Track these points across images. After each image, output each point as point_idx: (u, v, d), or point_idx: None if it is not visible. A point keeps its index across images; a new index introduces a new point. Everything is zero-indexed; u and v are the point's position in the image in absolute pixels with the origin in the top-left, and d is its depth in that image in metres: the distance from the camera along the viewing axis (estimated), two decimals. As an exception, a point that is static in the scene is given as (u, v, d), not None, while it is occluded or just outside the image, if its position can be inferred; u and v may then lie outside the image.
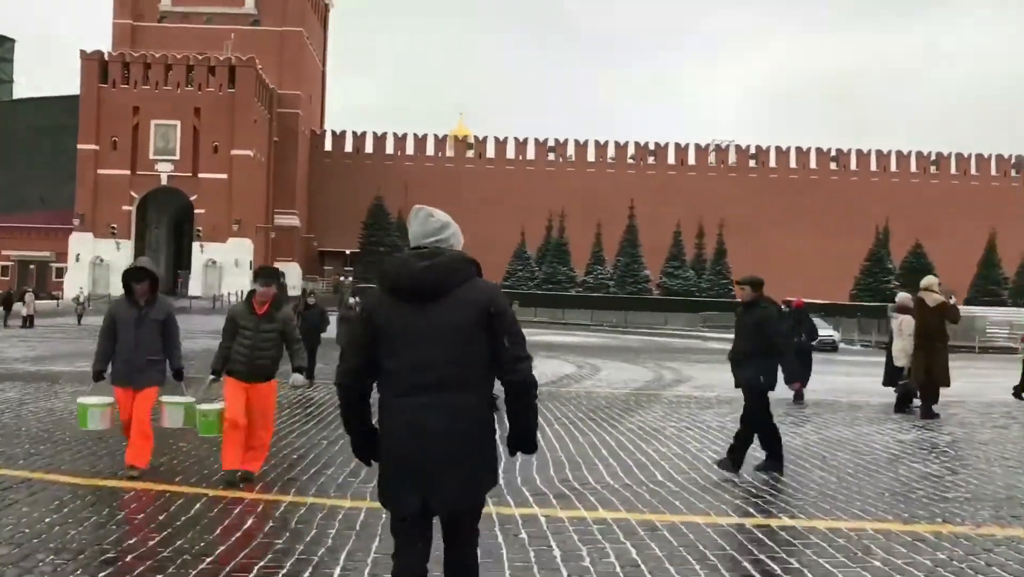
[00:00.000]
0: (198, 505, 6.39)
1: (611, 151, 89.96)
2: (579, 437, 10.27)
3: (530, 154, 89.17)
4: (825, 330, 39.26)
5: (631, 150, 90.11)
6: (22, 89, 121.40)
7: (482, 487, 3.32)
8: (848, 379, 21.90)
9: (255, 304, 7.24)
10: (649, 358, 27.98)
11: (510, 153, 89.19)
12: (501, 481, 7.33)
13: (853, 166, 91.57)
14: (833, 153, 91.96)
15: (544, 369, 21.39)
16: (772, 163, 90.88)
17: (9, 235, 75.85)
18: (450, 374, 3.18)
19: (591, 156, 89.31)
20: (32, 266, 74.53)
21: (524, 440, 3.32)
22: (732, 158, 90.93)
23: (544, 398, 12.10)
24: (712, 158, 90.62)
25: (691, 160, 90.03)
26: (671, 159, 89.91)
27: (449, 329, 3.18)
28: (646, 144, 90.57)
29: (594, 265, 73.40)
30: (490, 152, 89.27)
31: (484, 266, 3.31)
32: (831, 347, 38.26)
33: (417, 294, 3.20)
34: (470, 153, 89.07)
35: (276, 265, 73.97)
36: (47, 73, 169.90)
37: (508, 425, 3.32)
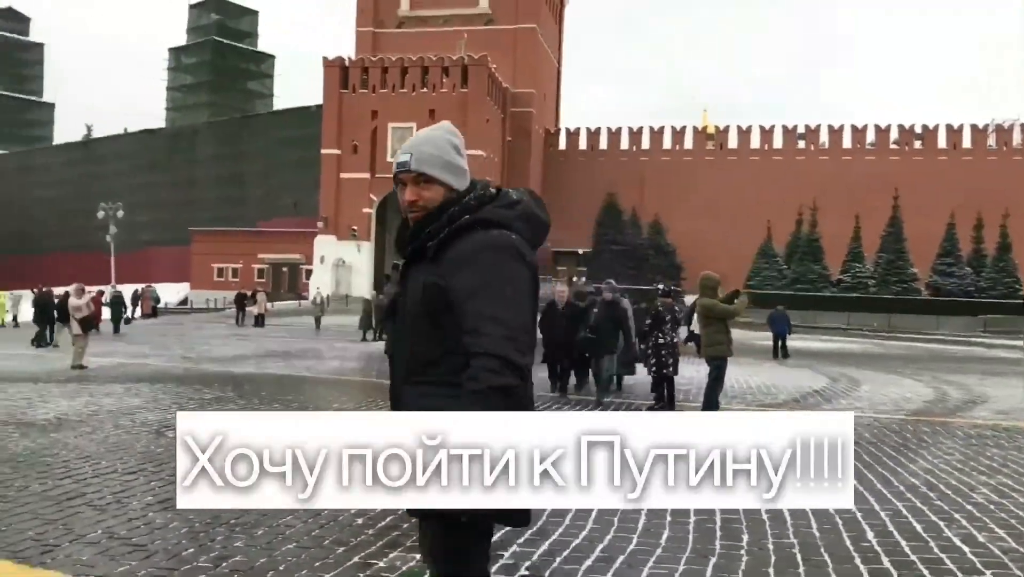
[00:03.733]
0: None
1: (870, 135, 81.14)
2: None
3: (776, 143, 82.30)
4: None
5: (894, 134, 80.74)
6: (281, 102, 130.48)
7: None
8: None
9: None
10: (922, 369, 22.62)
11: (754, 143, 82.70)
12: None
13: None
14: None
15: (786, 382, 17.16)
16: (1068, 141, 78.31)
17: (265, 240, 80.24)
18: None
19: (847, 142, 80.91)
20: (284, 269, 78.25)
21: None
22: (1017, 139, 79.18)
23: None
24: (992, 140, 79.40)
25: (966, 143, 79.35)
26: (942, 142, 79.64)
27: None
28: (911, 127, 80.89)
29: (851, 263, 65.83)
30: (732, 143, 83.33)
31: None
32: None
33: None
34: (710, 145, 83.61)
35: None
36: (305, 85, 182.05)
37: None
